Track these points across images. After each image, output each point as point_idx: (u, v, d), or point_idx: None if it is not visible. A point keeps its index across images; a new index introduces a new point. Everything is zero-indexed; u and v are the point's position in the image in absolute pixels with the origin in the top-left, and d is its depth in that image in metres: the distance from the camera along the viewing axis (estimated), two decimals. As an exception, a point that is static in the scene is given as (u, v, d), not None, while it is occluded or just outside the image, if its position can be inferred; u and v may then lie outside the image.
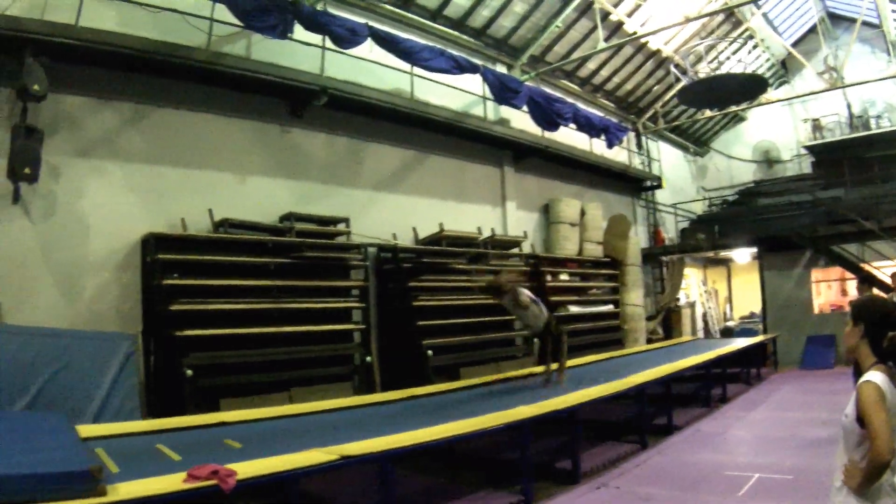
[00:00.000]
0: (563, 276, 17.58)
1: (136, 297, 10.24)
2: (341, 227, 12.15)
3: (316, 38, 12.17)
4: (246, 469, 5.12)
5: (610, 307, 18.95)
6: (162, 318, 9.73)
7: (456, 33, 16.14)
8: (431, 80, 14.31)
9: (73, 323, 9.55)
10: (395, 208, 13.97)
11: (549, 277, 16.69)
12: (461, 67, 13.92)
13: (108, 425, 7.79)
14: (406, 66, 13.60)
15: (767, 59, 25.08)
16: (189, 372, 9.46)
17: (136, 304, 10.24)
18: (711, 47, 20.39)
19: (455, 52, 14.31)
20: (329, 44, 12.28)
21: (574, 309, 17.17)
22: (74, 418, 7.64)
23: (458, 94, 15.32)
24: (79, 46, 9.62)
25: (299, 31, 11.54)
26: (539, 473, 7.94)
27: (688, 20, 18.34)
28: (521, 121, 16.69)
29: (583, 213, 18.87)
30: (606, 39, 17.66)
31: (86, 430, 6.97)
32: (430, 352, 12.44)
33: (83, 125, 10.17)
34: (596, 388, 9.49)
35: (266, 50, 11.75)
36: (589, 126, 18.01)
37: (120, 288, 10.16)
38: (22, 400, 8.25)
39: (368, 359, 11.95)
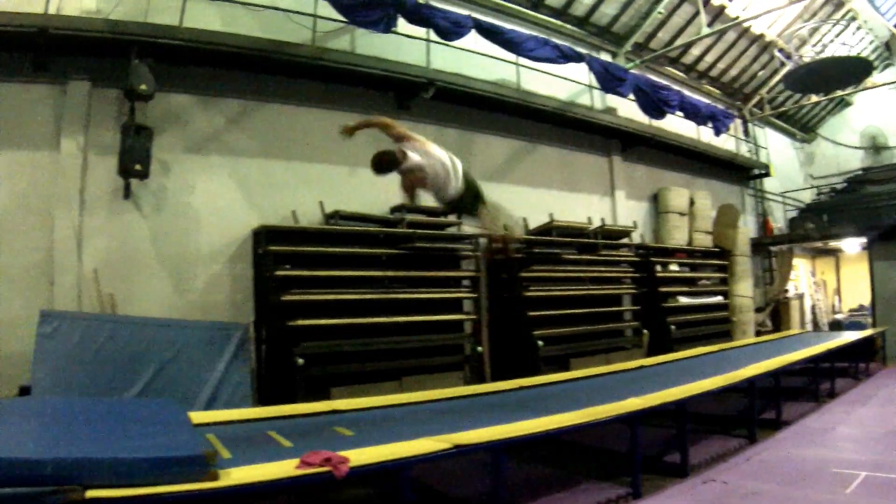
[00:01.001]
0: (673, 267, 16.92)
1: (248, 288, 10.33)
2: (452, 217, 11.82)
3: (419, 30, 11.99)
4: (358, 456, 5.00)
5: (719, 298, 18.14)
6: (274, 309, 9.69)
7: (558, 22, 15.78)
8: (536, 69, 13.93)
9: (185, 314, 9.71)
10: (505, 199, 13.14)
11: (658, 268, 16.09)
12: (566, 56, 13.49)
13: (219, 412, 7.85)
14: (509, 55, 13.25)
15: (871, 41, 23.66)
16: (300, 361, 9.45)
17: (248, 294, 10.33)
18: (815, 30, 19.58)
19: (558, 42, 13.89)
20: (433, 35, 12.06)
21: (684, 300, 16.52)
22: (186, 405, 7.62)
23: (563, 83, 14.90)
24: (183, 47, 9.83)
25: (402, 24, 11.38)
26: (647, 466, 7.55)
27: (790, 2, 17.46)
28: (627, 109, 16.14)
29: (691, 202, 18.15)
30: (709, 24, 16.98)
31: (198, 416, 6.97)
32: (540, 342, 12.10)
33: (191, 122, 10.33)
34: (705, 380, 8.98)
35: (370, 44, 11.64)
36: (695, 114, 17.29)
37: (232, 279, 10.29)
38: (135, 388, 8.53)
39: (479, 349, 11.71)
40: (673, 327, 15.31)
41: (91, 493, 4.42)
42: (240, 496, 4.81)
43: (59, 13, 9.52)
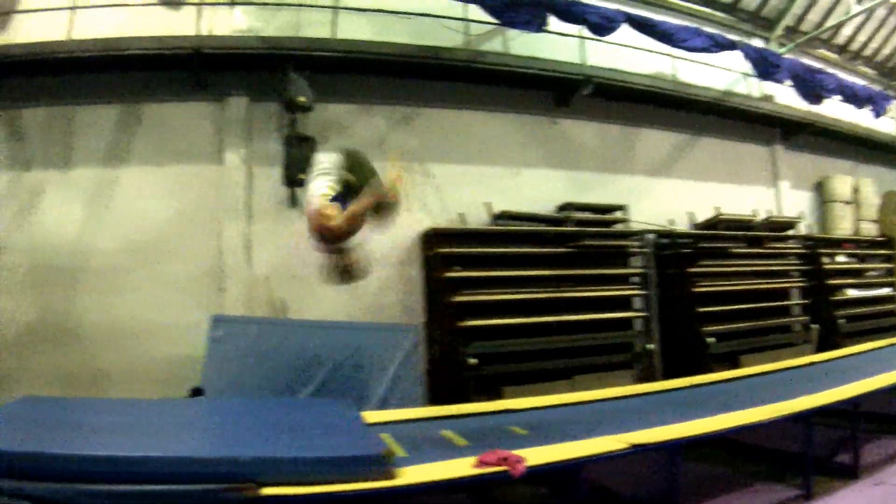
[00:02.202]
0: (840, 258, 15.71)
1: (418, 289, 10.28)
2: (618, 214, 11.52)
3: (571, 27, 11.54)
4: (534, 456, 4.92)
5: (887, 290, 16.72)
6: (444, 309, 9.62)
7: (708, 10, 15.04)
8: (690, 60, 13.29)
9: (356, 317, 9.79)
10: (669, 193, 13.10)
11: (825, 260, 14.93)
12: (719, 45, 12.78)
13: (393, 411, 7.78)
14: (662, 47, 12.62)
15: None
16: (473, 360, 9.37)
17: (419, 296, 10.27)
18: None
19: (710, 30, 13.18)
20: (585, 32, 11.57)
21: (852, 293, 15.29)
22: (360, 405, 7.57)
23: (719, 73, 14.15)
24: (339, 58, 9.93)
25: (554, 22, 10.97)
26: (816, 466, 7.02)
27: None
28: (784, 96, 15.19)
29: (855, 189, 16.90)
30: (859, 2, 15.88)
31: (371, 415, 6.93)
32: (711, 339, 11.49)
33: (352, 130, 10.38)
34: (879, 376, 8.20)
35: (525, 44, 11.36)
36: (853, 97, 16.00)
37: (402, 281, 10.26)
38: (306, 389, 8.61)
39: (649, 346, 11.22)
40: (842, 321, 14.23)
41: (267, 491, 4.45)
42: (415, 495, 4.76)
43: (212, 34, 9.91)
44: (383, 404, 8.53)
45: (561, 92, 11.73)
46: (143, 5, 10.20)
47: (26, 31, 10.21)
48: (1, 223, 10.14)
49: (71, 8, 10.04)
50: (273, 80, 9.69)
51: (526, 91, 11.50)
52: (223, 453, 4.80)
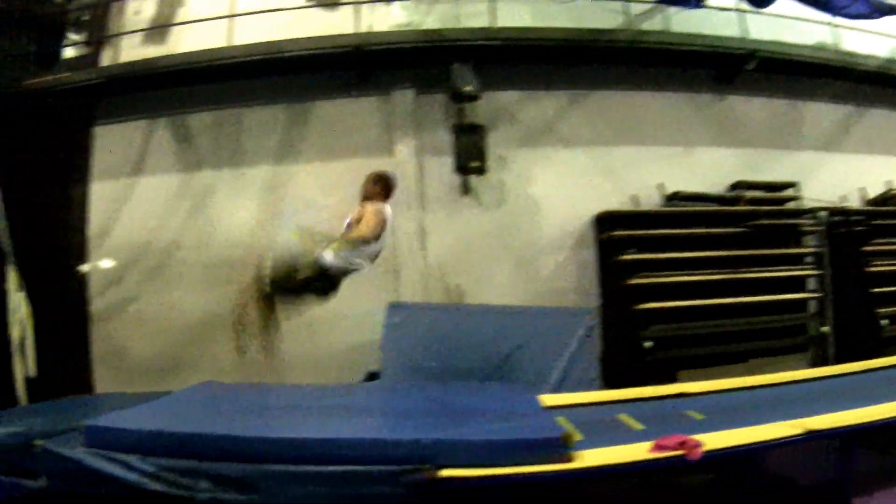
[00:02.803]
0: None
1: (592, 273, 10.20)
2: (789, 192, 11.21)
3: (728, 1, 11.35)
4: (710, 440, 4.80)
5: None
6: (619, 293, 9.61)
7: (867, -25, 14.24)
8: (850, 28, 12.58)
9: (532, 300, 9.81)
10: (839, 168, 12.46)
11: None
12: (879, 10, 12.15)
13: (568, 395, 7.75)
14: (820, 16, 12.10)
15: None
16: (648, 344, 9.34)
17: (593, 280, 10.20)
18: None
19: (870, -4, 12.67)
20: (743, 5, 11.35)
21: None
22: (536, 388, 7.63)
23: (881, 40, 13.19)
24: (502, 46, 9.95)
25: None
26: None
27: None
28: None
29: None
30: None
31: (547, 399, 6.93)
32: (885, 321, 10.91)
33: (522, 117, 10.39)
34: None
35: (683, 21, 11.06)
36: None
37: (576, 266, 10.21)
38: (482, 373, 8.54)
39: (823, 329, 10.81)
40: None
41: (446, 473, 4.53)
42: (592, 478, 4.94)
43: (371, 30, 10.13)
44: (558, 388, 8.45)
45: (725, 68, 11.42)
46: (299, 8, 10.51)
47: (186, 41, 10.80)
48: (175, 222, 10.62)
49: (229, 16, 10.55)
50: (437, 71, 9.83)
51: (690, 69, 11.28)
52: (403, 436, 4.89)
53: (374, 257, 6.50)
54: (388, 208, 6.44)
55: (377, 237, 6.32)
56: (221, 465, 4.92)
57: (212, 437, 5.19)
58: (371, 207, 6.31)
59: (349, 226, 6.40)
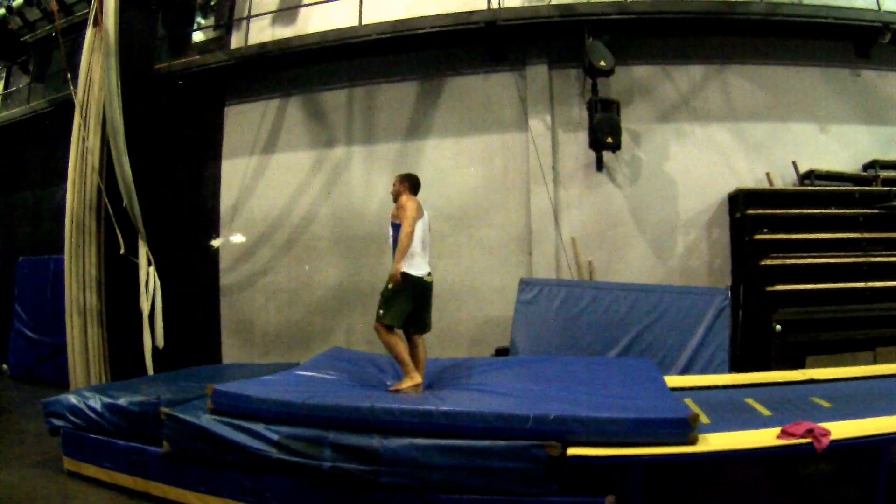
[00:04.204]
0: None
1: (725, 252, 10.03)
2: None
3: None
4: (838, 430, 4.70)
5: None
6: (751, 273, 9.38)
7: None
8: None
9: (663, 279, 9.77)
10: None
11: None
12: None
13: (694, 377, 7.80)
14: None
15: None
16: (778, 327, 9.08)
17: (726, 259, 10.02)
18: None
19: None
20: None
21: None
22: (664, 369, 7.69)
23: None
24: (637, 20, 9.79)
25: None
26: None
27: None
28: None
29: None
30: None
31: (673, 380, 6.96)
32: None
33: (657, 92, 10.30)
34: None
35: None
36: None
37: (709, 244, 10.06)
38: (612, 352, 8.73)
39: None
40: None
41: (572, 451, 4.61)
42: (717, 462, 4.92)
43: (503, 6, 10.03)
44: (688, 369, 8.48)
45: (860, 41, 11.00)
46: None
47: (313, 21, 11.12)
48: (307, 197, 10.93)
49: (359, -5, 10.60)
50: (571, 46, 9.85)
51: (825, 42, 10.94)
52: (530, 411, 4.91)
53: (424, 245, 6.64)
54: (415, 200, 6.60)
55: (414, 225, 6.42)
56: (346, 435, 5.14)
57: (337, 407, 5.40)
58: (402, 203, 6.52)
59: (393, 225, 6.57)
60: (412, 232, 6.32)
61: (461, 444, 4.84)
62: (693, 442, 4.60)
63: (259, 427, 5.40)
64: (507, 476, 4.71)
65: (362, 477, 4.99)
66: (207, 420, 5.66)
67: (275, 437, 5.30)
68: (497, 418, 4.90)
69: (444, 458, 4.85)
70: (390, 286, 6.30)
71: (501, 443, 4.76)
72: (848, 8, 10.61)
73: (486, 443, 4.79)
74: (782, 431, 4.67)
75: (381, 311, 6.32)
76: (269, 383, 6.47)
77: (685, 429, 4.61)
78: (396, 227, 6.43)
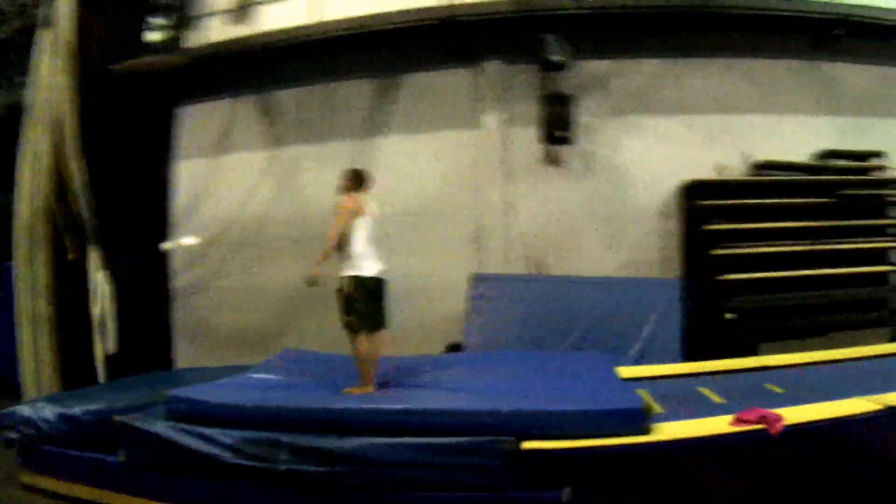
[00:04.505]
0: None
1: (676, 243, 10.08)
2: (877, 161, 10.75)
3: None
4: (791, 415, 4.88)
5: None
6: (703, 263, 9.48)
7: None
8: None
9: (616, 271, 9.85)
10: None
11: None
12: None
13: (647, 367, 7.92)
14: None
15: None
16: (731, 316, 9.23)
17: (676, 250, 10.08)
18: None
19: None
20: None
21: None
22: (616, 360, 7.74)
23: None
24: (593, 15, 9.80)
25: None
26: None
27: None
28: None
29: None
30: None
31: (625, 371, 7.07)
32: None
33: (610, 86, 10.30)
34: None
35: None
36: None
37: (661, 236, 10.09)
38: (564, 345, 8.80)
39: None
40: None
41: (527, 444, 4.70)
42: (672, 451, 4.93)
43: (462, 2, 9.97)
44: (640, 360, 8.60)
45: (816, 34, 11.00)
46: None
47: (270, 19, 10.97)
48: (262, 197, 10.89)
49: (313, -7, 10.56)
50: (526, 41, 9.78)
51: (781, 35, 10.94)
52: (483, 406, 5.04)
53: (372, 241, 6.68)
54: (353, 199, 6.65)
55: (343, 230, 6.48)
56: (302, 436, 5.18)
57: (292, 409, 5.50)
58: (337, 205, 6.65)
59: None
60: (338, 233, 6.40)
61: (418, 441, 4.91)
62: (647, 432, 4.68)
63: (215, 432, 5.41)
64: (465, 471, 4.79)
65: (318, 478, 5.03)
66: (162, 427, 5.68)
67: (229, 441, 5.31)
68: (453, 415, 5.02)
69: (402, 456, 4.91)
70: (344, 293, 6.34)
71: (458, 439, 4.83)
72: (805, 0, 10.65)
73: (444, 439, 4.85)
74: (736, 418, 4.80)
75: (351, 319, 6.34)
76: (224, 387, 6.52)
77: (639, 419, 4.71)
78: None
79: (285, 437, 5.17)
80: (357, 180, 6.75)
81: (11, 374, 11.08)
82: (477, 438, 4.78)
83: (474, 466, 4.77)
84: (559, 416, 4.80)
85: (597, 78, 10.22)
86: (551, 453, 4.65)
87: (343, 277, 6.35)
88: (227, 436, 5.33)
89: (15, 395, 9.94)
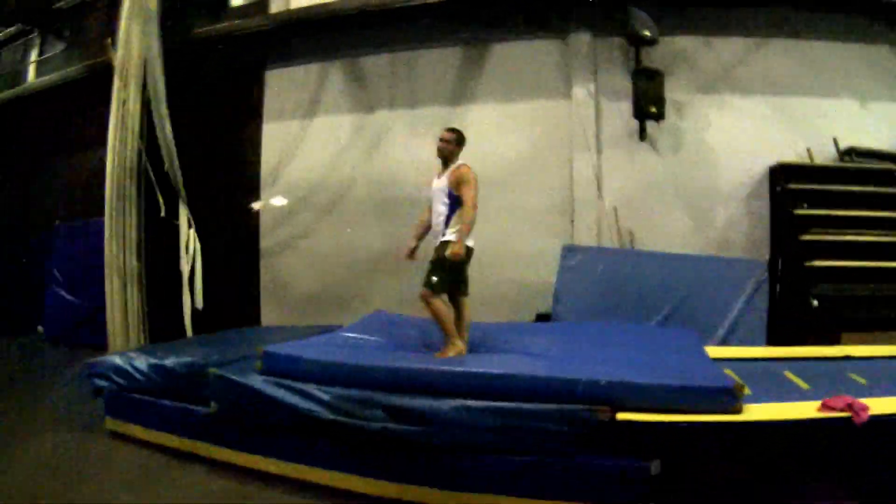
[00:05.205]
0: None
1: (764, 225, 9.94)
2: None
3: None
4: (876, 405, 4.68)
5: None
6: (790, 248, 9.31)
7: None
8: None
9: (702, 250, 9.73)
10: None
11: None
12: None
13: (733, 348, 7.78)
14: None
15: None
16: (815, 302, 8.97)
17: (765, 232, 9.93)
18: None
19: None
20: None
21: None
22: (702, 338, 7.58)
23: None
24: None
25: None
26: None
27: None
28: None
29: None
30: None
31: (712, 351, 6.88)
32: None
33: (699, 62, 10.17)
34: None
35: None
36: None
37: (749, 216, 9.96)
38: (654, 318, 8.74)
39: None
40: None
41: (622, 416, 4.65)
42: (761, 432, 4.82)
43: None
44: (726, 340, 8.51)
45: None
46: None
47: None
48: (348, 162, 10.99)
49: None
50: (615, 14, 9.72)
51: (872, 19, 10.62)
52: (580, 375, 4.94)
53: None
54: (468, 167, 6.46)
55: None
56: (395, 396, 5.18)
57: (387, 369, 5.49)
58: (465, 176, 6.36)
59: (449, 194, 6.40)
60: (476, 207, 6.27)
61: (512, 406, 4.88)
62: (738, 411, 4.63)
63: (311, 388, 5.45)
64: (556, 438, 4.76)
65: (412, 438, 5.04)
66: (257, 380, 5.74)
67: (326, 397, 5.34)
68: (547, 382, 4.98)
69: (495, 420, 4.88)
70: (448, 260, 6.22)
71: (553, 406, 4.79)
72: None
73: (538, 405, 4.82)
74: (823, 404, 4.70)
75: (434, 279, 6.27)
76: (318, 345, 6.57)
77: (731, 398, 4.63)
78: (451, 196, 6.38)
79: (380, 397, 5.19)
80: (462, 140, 6.64)
81: (76, 331, 11.57)
82: (572, 406, 4.75)
83: (566, 433, 4.74)
84: (656, 389, 4.75)
85: (685, 54, 10.13)
86: (645, 425, 4.61)
87: (451, 244, 6.21)
88: (324, 392, 5.36)
89: (78, 348, 10.39)
